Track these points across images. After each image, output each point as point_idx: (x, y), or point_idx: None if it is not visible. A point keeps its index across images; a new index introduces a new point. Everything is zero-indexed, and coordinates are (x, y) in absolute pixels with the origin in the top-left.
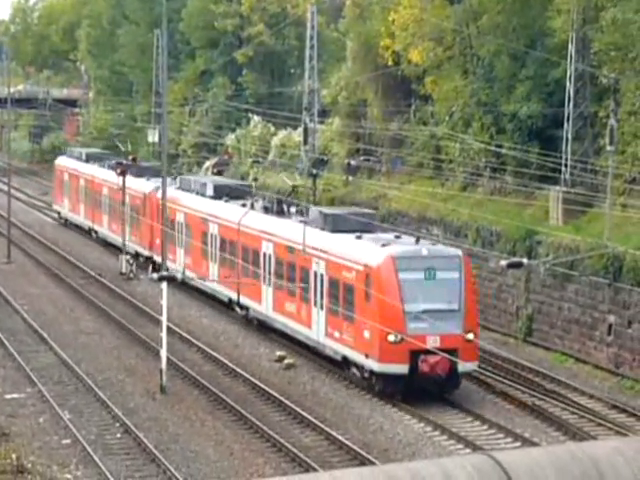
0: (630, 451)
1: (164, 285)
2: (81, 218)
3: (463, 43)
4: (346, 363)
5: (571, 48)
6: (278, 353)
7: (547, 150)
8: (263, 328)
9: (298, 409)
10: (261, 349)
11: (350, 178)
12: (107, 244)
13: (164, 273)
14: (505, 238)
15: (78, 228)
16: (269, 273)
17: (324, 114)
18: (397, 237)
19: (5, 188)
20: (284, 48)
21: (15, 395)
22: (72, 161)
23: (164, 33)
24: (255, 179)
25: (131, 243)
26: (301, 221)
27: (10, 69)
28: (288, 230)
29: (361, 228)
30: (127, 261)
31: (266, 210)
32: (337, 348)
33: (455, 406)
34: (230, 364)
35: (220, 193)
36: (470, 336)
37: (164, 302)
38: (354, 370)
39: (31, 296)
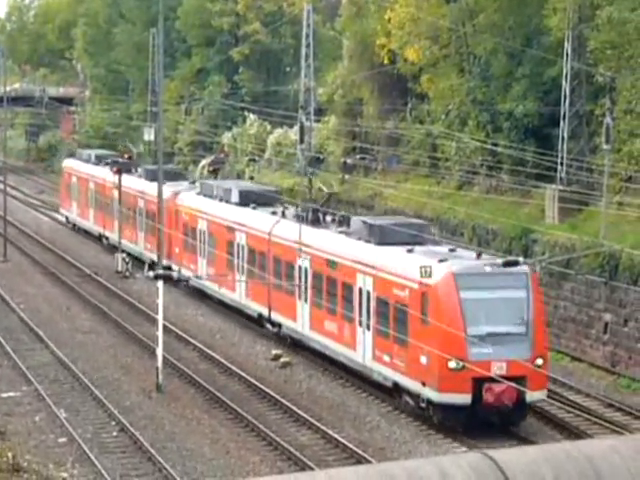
0: (626, 450)
1: (160, 284)
2: (90, 223)
3: (459, 41)
4: (397, 390)
5: (567, 46)
6: (274, 352)
7: (543, 148)
8: (297, 347)
9: (294, 407)
10: (257, 347)
11: (346, 176)
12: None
13: (160, 271)
14: (501, 236)
15: (87, 234)
16: (305, 288)
17: (320, 112)
18: (451, 250)
19: (1, 186)
20: (280, 46)
21: (11, 394)
22: (81, 163)
23: (160, 31)
24: (251, 177)
25: (147, 252)
26: (341, 232)
27: (6, 67)
28: (327, 241)
29: (410, 240)
30: (123, 259)
31: (299, 219)
32: (387, 374)
33: None
34: (226, 362)
35: (246, 199)
36: (539, 362)
37: (160, 300)
38: (407, 399)
39: (27, 294)
